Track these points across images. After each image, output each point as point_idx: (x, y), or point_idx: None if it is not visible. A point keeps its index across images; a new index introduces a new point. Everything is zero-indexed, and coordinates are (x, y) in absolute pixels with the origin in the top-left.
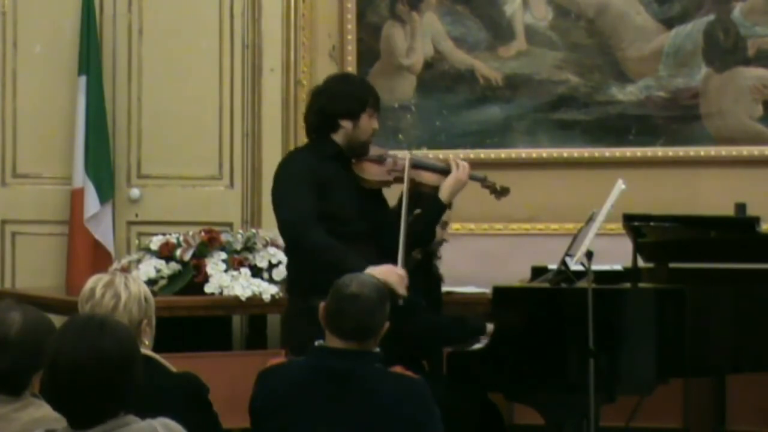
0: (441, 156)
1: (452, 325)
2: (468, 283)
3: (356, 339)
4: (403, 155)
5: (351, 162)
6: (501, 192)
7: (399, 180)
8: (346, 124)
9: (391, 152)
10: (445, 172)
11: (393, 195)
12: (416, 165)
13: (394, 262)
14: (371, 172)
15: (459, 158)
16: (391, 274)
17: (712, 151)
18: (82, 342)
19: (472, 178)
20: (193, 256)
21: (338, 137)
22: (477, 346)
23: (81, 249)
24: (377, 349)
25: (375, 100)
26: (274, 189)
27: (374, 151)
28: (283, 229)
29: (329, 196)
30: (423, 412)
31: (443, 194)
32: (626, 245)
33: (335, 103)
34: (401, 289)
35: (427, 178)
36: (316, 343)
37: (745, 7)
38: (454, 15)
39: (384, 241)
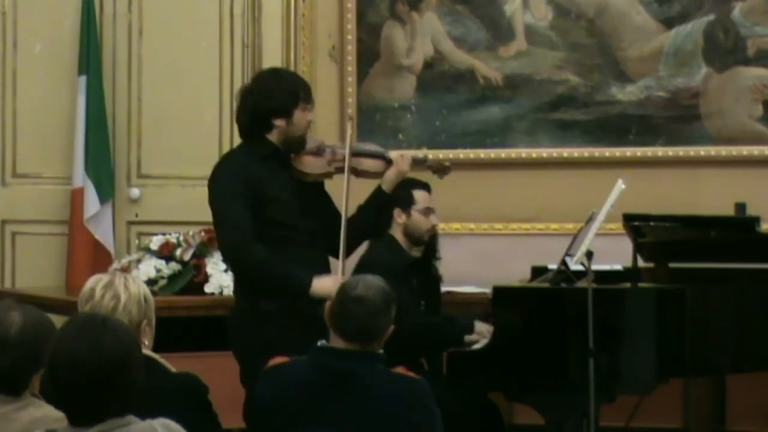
0: (441, 156)
1: (443, 325)
2: (468, 283)
3: (359, 341)
4: (341, 145)
5: (289, 159)
6: (444, 170)
7: (340, 170)
8: (280, 123)
9: (328, 143)
10: (385, 157)
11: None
12: (356, 153)
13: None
14: (311, 165)
15: (398, 153)
16: (332, 289)
17: (712, 151)
18: (83, 338)
19: (414, 162)
20: (193, 256)
21: (273, 136)
22: (477, 346)
23: (81, 249)
24: (381, 351)
25: (306, 93)
26: (211, 201)
27: (311, 143)
28: (223, 250)
29: (270, 201)
30: (424, 413)
31: (386, 185)
32: (626, 245)
33: (266, 102)
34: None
35: (369, 164)
36: (319, 343)
37: (745, 7)
38: (454, 15)
39: (331, 240)
